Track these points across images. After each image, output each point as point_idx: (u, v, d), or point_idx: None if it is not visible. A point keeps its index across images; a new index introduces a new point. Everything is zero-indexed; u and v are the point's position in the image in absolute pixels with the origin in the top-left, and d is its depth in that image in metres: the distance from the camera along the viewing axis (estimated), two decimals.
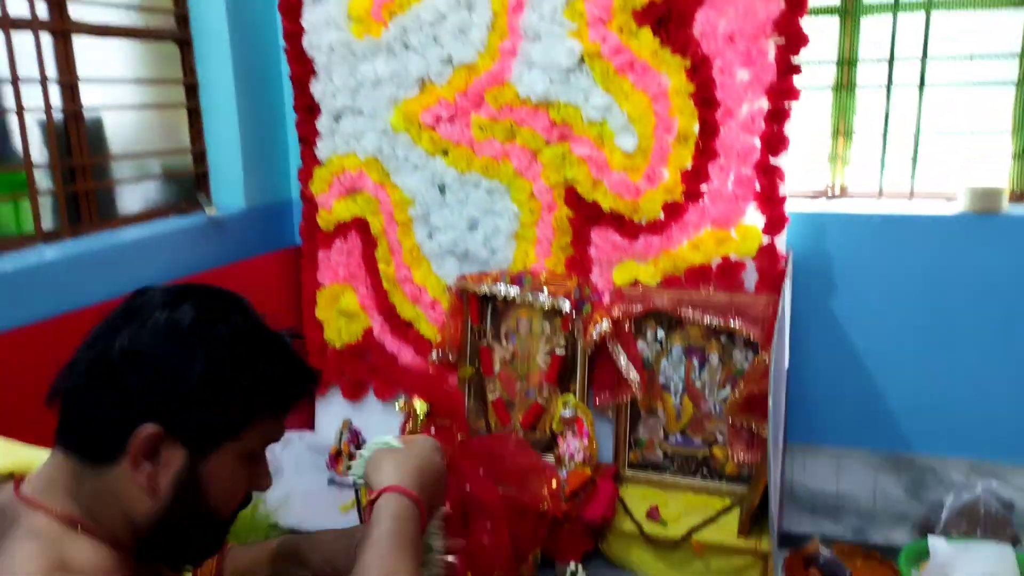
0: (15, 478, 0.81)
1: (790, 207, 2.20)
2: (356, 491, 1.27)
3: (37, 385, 1.37)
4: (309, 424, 2.66)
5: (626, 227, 2.26)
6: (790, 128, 2.10)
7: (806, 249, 2.26)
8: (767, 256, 2.16)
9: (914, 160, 2.29)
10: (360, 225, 2.54)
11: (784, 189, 2.14)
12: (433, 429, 1.85)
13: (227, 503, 0.81)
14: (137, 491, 0.74)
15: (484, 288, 2.35)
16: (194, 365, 0.75)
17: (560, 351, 2.32)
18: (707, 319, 2.15)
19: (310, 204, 2.59)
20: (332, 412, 2.60)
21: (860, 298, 2.26)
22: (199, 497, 0.78)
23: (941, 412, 2.25)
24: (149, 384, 0.74)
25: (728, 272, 2.19)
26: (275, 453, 2.48)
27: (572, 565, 1.80)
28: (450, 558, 1.79)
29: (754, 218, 2.17)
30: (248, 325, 0.80)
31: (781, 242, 2.17)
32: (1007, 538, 2.06)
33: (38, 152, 2.05)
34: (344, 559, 0.94)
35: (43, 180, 2.06)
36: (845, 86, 2.33)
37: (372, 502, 0.84)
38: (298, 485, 2.34)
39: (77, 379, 0.76)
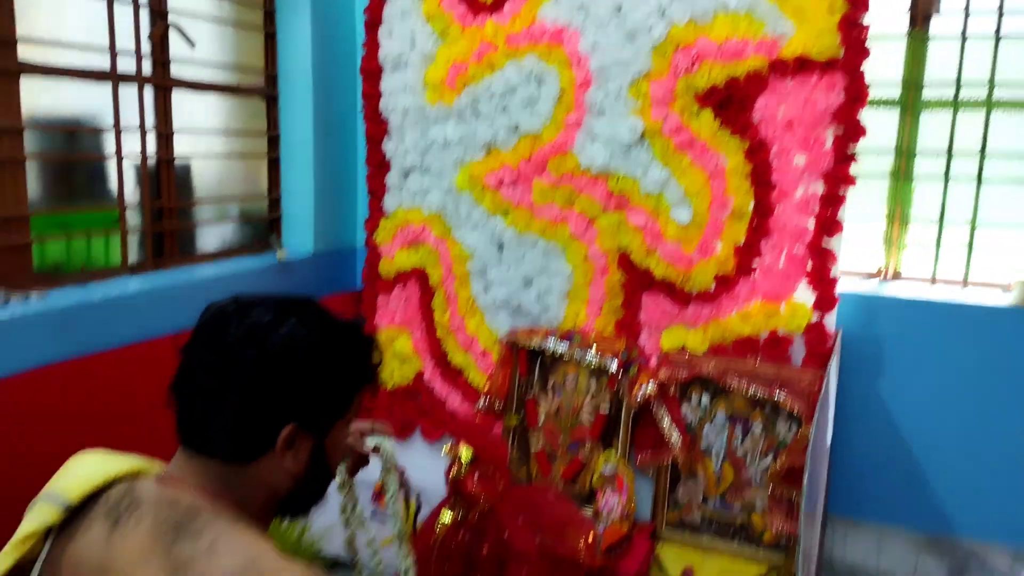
0: (156, 476, 1.02)
1: (843, 287, 2.26)
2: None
3: (123, 403, 1.48)
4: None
5: (677, 295, 2.34)
6: (845, 212, 2.16)
7: (856, 328, 2.31)
8: (815, 333, 2.21)
9: (969, 249, 2.33)
10: (419, 275, 2.66)
11: (835, 270, 2.19)
12: (477, 475, 1.92)
13: (336, 462, 1.10)
14: (283, 474, 1.01)
15: (534, 342, 2.44)
16: (310, 373, 0.99)
17: (605, 409, 2.38)
18: (752, 389, 2.20)
19: (374, 252, 2.72)
20: None
21: (908, 379, 2.29)
22: (325, 464, 1.06)
23: (986, 498, 2.25)
24: (281, 394, 0.98)
25: (775, 345, 2.24)
26: None
27: None
28: None
29: (804, 295, 2.23)
30: (326, 321, 1.05)
31: (831, 320, 2.21)
32: None
33: (131, 193, 2.22)
34: None
35: (133, 218, 2.24)
36: (902, 174, 2.39)
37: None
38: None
39: (208, 397, 0.99)
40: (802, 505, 1.16)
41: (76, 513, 1.01)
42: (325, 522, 2.40)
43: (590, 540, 2.05)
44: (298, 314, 1.02)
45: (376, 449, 1.31)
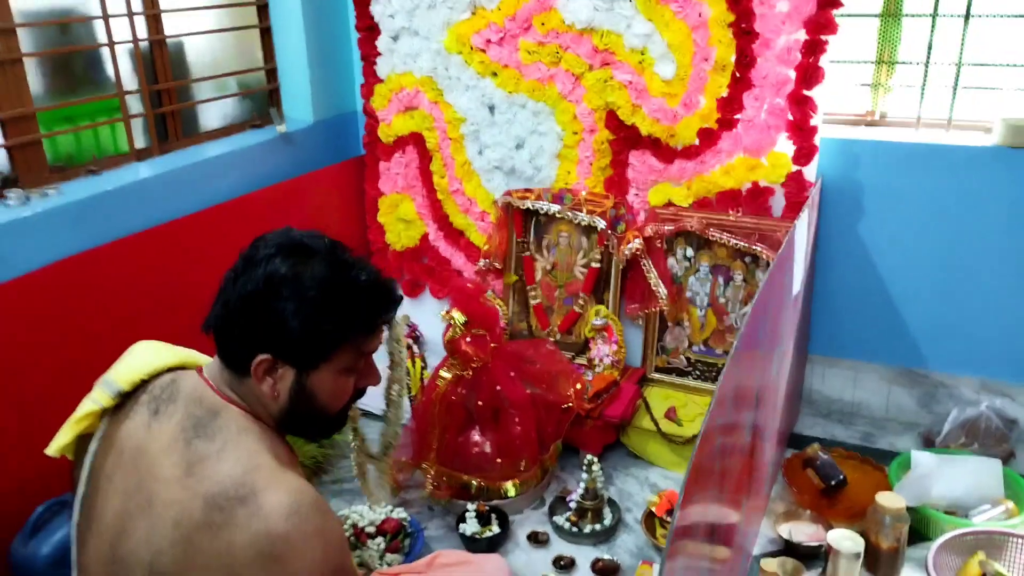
0: (197, 369, 1.21)
1: (827, 133, 2.29)
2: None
3: (142, 288, 1.59)
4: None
5: (662, 151, 2.39)
6: (830, 56, 2.15)
7: (838, 175, 2.35)
8: (795, 183, 2.27)
9: (954, 90, 2.31)
10: (417, 139, 2.74)
11: (817, 119, 2.21)
12: (469, 337, 2.10)
13: (334, 403, 1.19)
14: (268, 397, 1.14)
15: (528, 204, 2.55)
16: (287, 310, 1.09)
17: (596, 264, 2.52)
18: (733, 241, 2.30)
19: (372, 118, 2.79)
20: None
21: (888, 224, 2.35)
22: (310, 400, 1.15)
23: (957, 334, 2.37)
24: (259, 325, 1.10)
25: (756, 197, 2.31)
26: None
27: (588, 457, 2.07)
28: (485, 447, 2.14)
29: (786, 146, 2.27)
30: (330, 272, 1.13)
31: (811, 170, 2.27)
32: (1002, 453, 2.23)
33: (129, 79, 2.30)
34: None
35: (135, 105, 2.33)
36: (892, 14, 2.33)
37: None
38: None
39: (215, 318, 1.14)
40: (736, 340, 1.31)
41: (127, 397, 1.21)
42: None
43: (578, 387, 2.26)
44: (300, 256, 1.12)
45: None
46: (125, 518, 1.13)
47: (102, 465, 1.19)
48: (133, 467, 1.14)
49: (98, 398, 1.23)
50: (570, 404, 2.21)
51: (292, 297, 1.10)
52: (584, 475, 2.08)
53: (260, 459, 1.09)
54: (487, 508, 2.05)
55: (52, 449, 1.26)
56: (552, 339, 2.60)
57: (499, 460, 2.12)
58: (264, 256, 1.13)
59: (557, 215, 2.52)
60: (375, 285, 1.17)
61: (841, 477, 2.12)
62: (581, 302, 2.57)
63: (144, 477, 1.12)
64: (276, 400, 1.14)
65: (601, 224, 2.43)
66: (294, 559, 1.03)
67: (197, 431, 1.12)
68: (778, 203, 2.33)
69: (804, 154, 2.24)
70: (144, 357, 1.26)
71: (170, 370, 1.24)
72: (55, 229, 1.94)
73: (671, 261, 2.45)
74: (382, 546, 1.93)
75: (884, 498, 1.88)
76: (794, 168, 2.26)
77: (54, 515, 1.79)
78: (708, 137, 2.32)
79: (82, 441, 1.24)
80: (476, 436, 2.15)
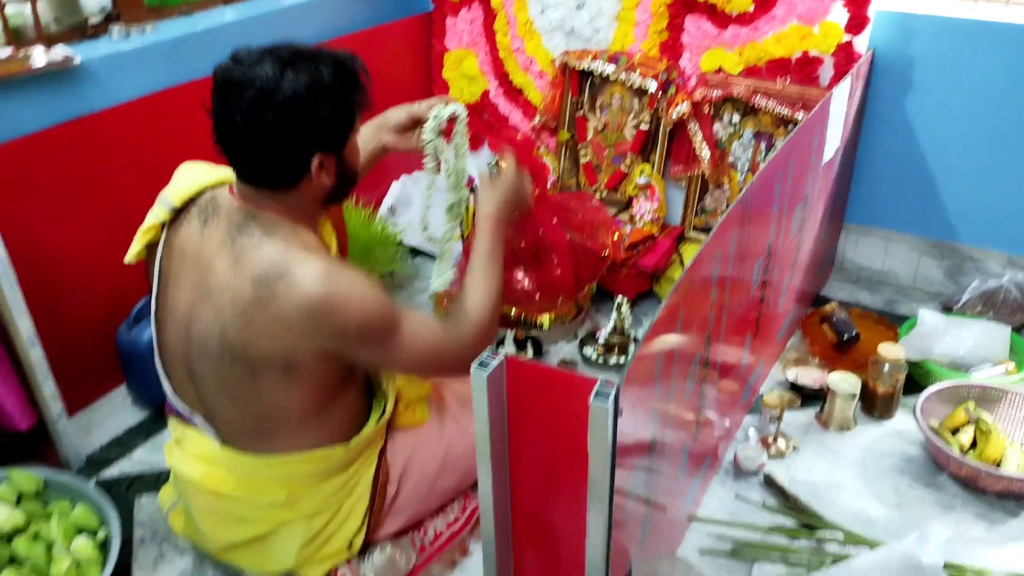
0: (228, 187, 1.42)
1: (881, 4, 2.31)
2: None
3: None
4: (436, 168, 3.17)
5: (718, 16, 2.46)
6: None
7: (892, 47, 2.38)
8: (844, 54, 2.33)
9: None
10: None
11: None
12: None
13: (357, 162, 1.46)
14: (319, 189, 1.38)
15: (584, 64, 2.66)
16: (324, 111, 1.30)
17: (645, 126, 2.65)
18: (777, 109, 2.39)
19: None
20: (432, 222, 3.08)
21: (936, 98, 2.40)
22: (349, 171, 1.42)
23: (991, 209, 2.44)
24: (307, 136, 1.31)
25: (805, 66, 2.38)
26: (407, 189, 3.04)
27: (620, 298, 2.29)
28: (525, 284, 2.37)
29: (839, 15, 2.31)
30: (333, 65, 1.32)
31: (862, 40, 2.31)
32: (1015, 323, 2.35)
33: None
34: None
35: None
36: None
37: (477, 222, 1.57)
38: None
39: (246, 153, 1.33)
40: (747, 186, 1.47)
41: (180, 212, 1.47)
42: (408, 219, 2.89)
43: (616, 238, 2.44)
44: (293, 65, 1.27)
45: (452, 119, 1.67)
46: (193, 306, 1.40)
47: (168, 266, 1.46)
48: (194, 266, 1.41)
49: (158, 213, 1.49)
50: (607, 252, 2.41)
51: (313, 97, 1.28)
52: (614, 314, 2.30)
53: (290, 245, 1.33)
54: (524, 336, 2.30)
55: (129, 257, 1.54)
56: (598, 195, 2.77)
57: (538, 296, 2.34)
58: (270, 79, 1.25)
59: (611, 77, 2.63)
60: (353, 61, 1.36)
61: (854, 333, 2.29)
62: (628, 162, 2.71)
63: (203, 272, 1.38)
64: (325, 186, 1.38)
65: (652, 87, 2.54)
66: (338, 311, 1.29)
67: (239, 231, 1.36)
68: (827, 74, 2.39)
69: (856, 24, 2.29)
70: (190, 178, 1.51)
71: (210, 188, 1.48)
72: (151, 63, 2.17)
73: (717, 126, 2.56)
74: None
75: (885, 348, 2.05)
76: (845, 38, 2.31)
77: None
78: (763, 4, 2.38)
79: (151, 249, 1.51)
80: (519, 274, 2.38)
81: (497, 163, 1.67)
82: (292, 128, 1.29)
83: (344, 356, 1.39)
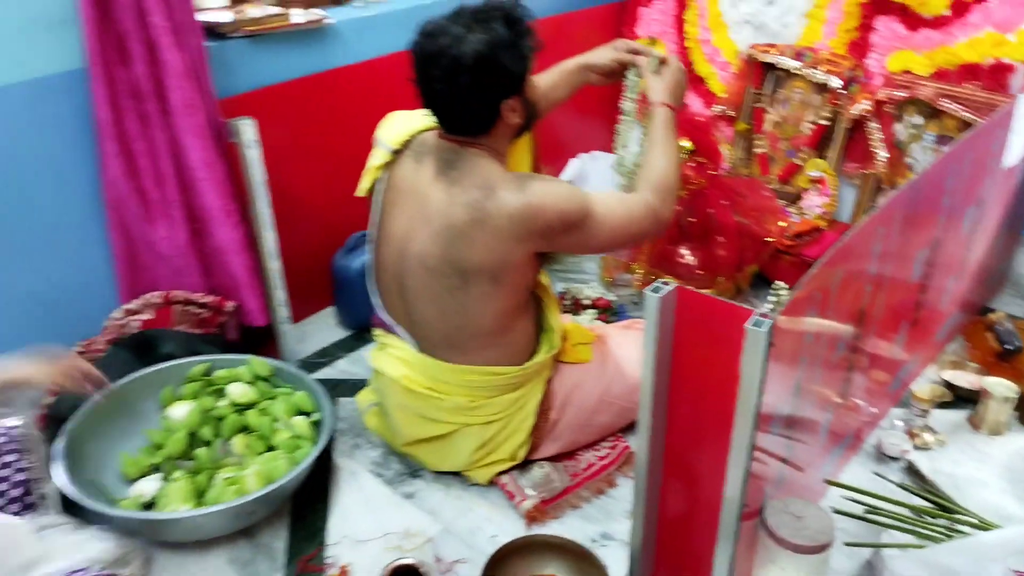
0: (436, 131, 1.70)
1: None
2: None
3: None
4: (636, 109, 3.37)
5: (910, 18, 2.50)
6: None
7: None
8: None
9: None
10: None
11: None
12: (693, 163, 2.45)
13: (538, 97, 1.71)
14: (512, 126, 1.65)
15: (770, 58, 2.77)
16: (507, 60, 1.54)
17: (824, 122, 2.72)
18: (964, 113, 2.41)
19: None
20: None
21: None
22: (532, 105, 1.66)
23: None
24: (492, 91, 1.57)
25: (997, 73, 2.38)
26: (585, 166, 3.25)
27: (778, 283, 2.40)
28: (689, 259, 2.56)
29: None
30: (508, 18, 1.55)
31: None
32: None
33: None
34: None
35: None
36: None
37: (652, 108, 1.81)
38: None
39: (449, 112, 1.61)
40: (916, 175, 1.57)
41: (397, 153, 1.75)
42: None
43: (782, 225, 2.55)
44: (471, 29, 1.50)
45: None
46: (408, 231, 1.69)
47: (388, 199, 1.76)
48: (411, 198, 1.69)
49: (380, 155, 1.78)
50: (772, 239, 2.52)
51: (502, 51, 1.52)
52: (771, 297, 2.42)
53: (492, 170, 1.61)
54: None
55: (359, 191, 1.85)
56: (770, 186, 2.87)
57: (700, 272, 2.50)
58: (458, 40, 1.49)
59: (795, 71, 2.73)
60: (518, 8, 1.58)
61: (1018, 344, 2.28)
62: (803, 155, 2.80)
63: (420, 203, 1.66)
64: (515, 124, 1.64)
65: (836, 83, 2.61)
66: (542, 213, 1.56)
67: (448, 165, 1.64)
68: (1018, 83, 2.38)
69: None
70: (402, 123, 1.81)
71: (421, 132, 1.76)
72: (386, 28, 2.48)
73: (897, 127, 2.60)
74: (593, 316, 2.43)
75: None
76: None
77: (362, 242, 2.46)
78: (959, 9, 2.40)
79: (374, 185, 1.81)
80: (683, 249, 2.54)
81: (660, 59, 1.88)
82: (483, 84, 1.55)
83: (553, 249, 1.66)
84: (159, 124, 1.91)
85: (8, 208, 1.88)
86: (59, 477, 1.66)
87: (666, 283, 1.24)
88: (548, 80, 1.91)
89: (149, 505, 1.75)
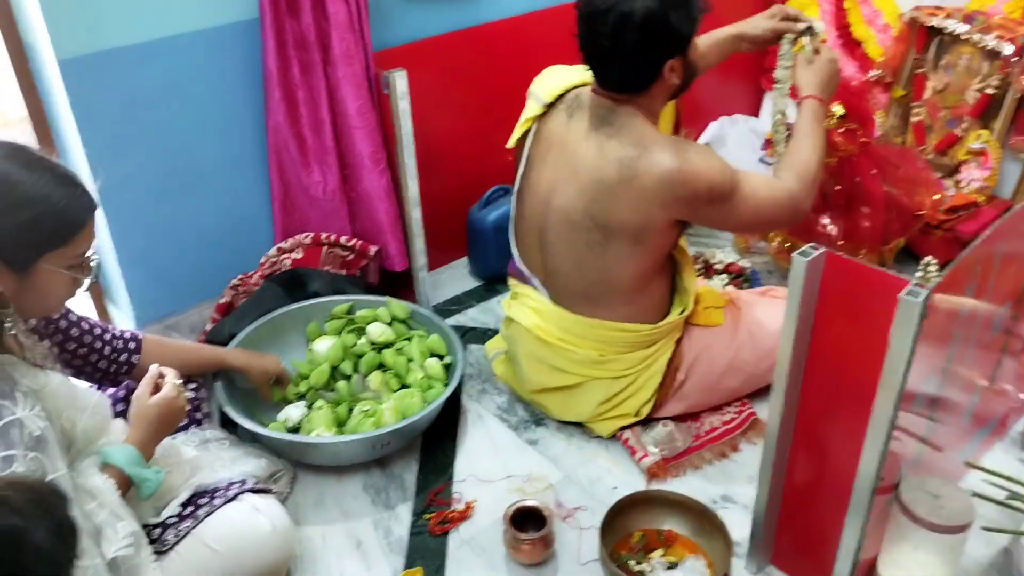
0: (591, 88, 1.71)
1: None
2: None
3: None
4: (755, 111, 3.28)
5: None
6: None
7: None
8: None
9: None
10: None
11: None
12: (843, 129, 2.35)
13: (699, 60, 1.73)
14: (670, 87, 1.63)
15: (936, 21, 2.60)
16: (674, 19, 1.54)
17: (991, 90, 2.54)
18: None
19: None
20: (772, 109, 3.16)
21: None
22: (692, 67, 1.66)
23: None
24: (656, 50, 1.58)
25: None
26: (724, 129, 3.17)
27: (927, 259, 2.28)
28: (830, 229, 2.48)
29: None
30: None
31: None
32: None
33: None
34: None
35: None
36: None
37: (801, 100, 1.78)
38: (738, 157, 3.05)
39: (611, 69, 1.62)
40: None
41: (549, 107, 1.77)
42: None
43: (936, 198, 2.42)
44: None
45: (810, 30, 1.88)
46: (555, 184, 1.71)
47: (536, 152, 1.78)
48: (560, 151, 1.71)
49: (532, 108, 1.80)
50: (923, 212, 2.40)
51: (672, 9, 1.52)
52: (919, 274, 2.30)
53: (647, 130, 1.61)
54: None
55: (510, 143, 1.88)
56: (925, 156, 2.72)
57: (841, 243, 2.41)
58: (628, 7, 1.50)
59: (963, 36, 2.55)
60: None
61: None
62: (964, 126, 2.62)
63: (568, 157, 1.68)
64: (673, 85, 1.64)
65: (1008, 50, 2.43)
66: (690, 179, 1.56)
67: (602, 121, 1.64)
68: None
69: None
70: (558, 78, 1.81)
71: (574, 87, 1.76)
72: None
73: None
74: (725, 282, 2.40)
75: None
76: None
77: (498, 196, 2.51)
78: None
79: (522, 138, 1.84)
80: (825, 219, 2.45)
81: (814, 49, 1.83)
82: (650, 42, 1.55)
83: (693, 220, 1.67)
84: (320, 73, 2.02)
85: (185, 150, 2.05)
86: (220, 396, 1.82)
87: (815, 248, 1.22)
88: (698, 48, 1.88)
89: (294, 429, 1.89)
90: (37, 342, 1.26)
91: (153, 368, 1.45)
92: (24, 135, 2.06)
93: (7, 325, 1.14)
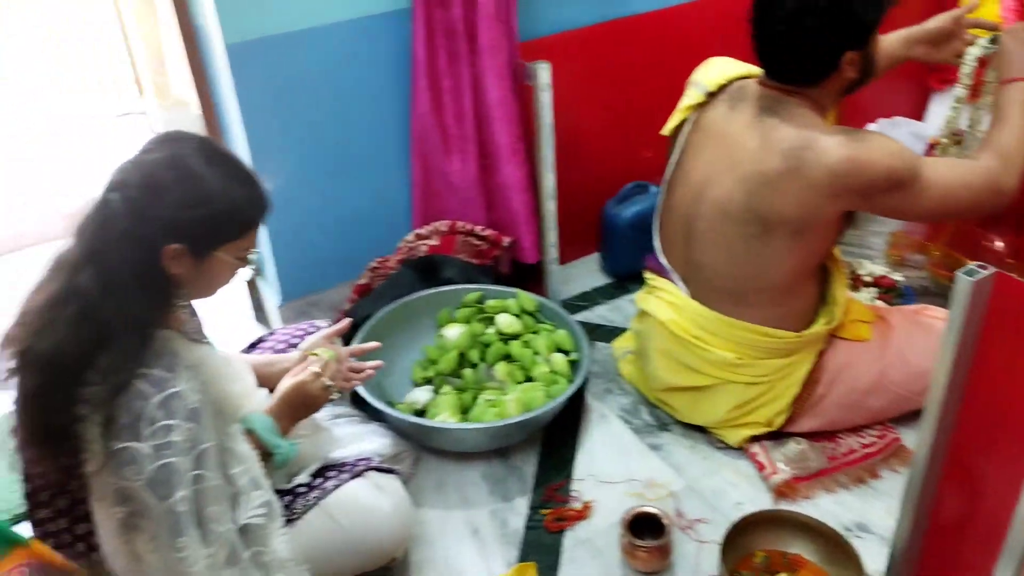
0: (757, 79, 1.64)
1: None
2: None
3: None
4: (919, 115, 3.06)
5: None
6: None
7: None
8: None
9: None
10: None
11: None
12: None
13: (877, 55, 1.59)
14: (845, 81, 1.56)
15: None
16: (859, 9, 1.45)
17: None
18: None
19: None
20: (940, 112, 2.93)
21: None
22: (871, 62, 1.57)
23: None
24: (833, 40, 1.49)
25: None
26: (885, 132, 2.97)
27: None
28: (997, 245, 2.29)
29: None
30: None
31: None
32: None
33: None
34: None
35: None
36: None
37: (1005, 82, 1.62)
38: None
39: (785, 59, 1.54)
40: None
41: (710, 96, 1.71)
42: None
43: None
44: None
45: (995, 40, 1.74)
46: (710, 174, 1.65)
47: (692, 141, 1.73)
48: (719, 141, 1.65)
49: (693, 96, 1.74)
50: None
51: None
52: None
53: (813, 121, 1.52)
54: None
55: (665, 129, 1.83)
56: None
57: (1010, 261, 2.21)
58: None
59: None
60: None
61: None
62: None
63: (728, 147, 1.62)
64: (848, 79, 1.55)
65: None
66: (865, 167, 1.47)
67: (766, 112, 1.57)
68: None
69: None
70: (722, 68, 1.74)
71: (739, 79, 1.69)
72: None
73: None
74: (874, 296, 2.25)
75: None
76: None
77: (635, 193, 2.47)
78: None
79: (678, 128, 1.78)
80: (993, 234, 2.25)
81: (996, 39, 1.70)
82: (830, 30, 1.46)
83: (869, 210, 1.58)
84: (466, 63, 2.04)
85: (335, 135, 2.13)
86: None
87: (983, 267, 1.11)
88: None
89: (420, 412, 1.93)
90: (191, 316, 1.35)
91: (295, 353, 1.52)
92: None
93: (178, 304, 1.24)
